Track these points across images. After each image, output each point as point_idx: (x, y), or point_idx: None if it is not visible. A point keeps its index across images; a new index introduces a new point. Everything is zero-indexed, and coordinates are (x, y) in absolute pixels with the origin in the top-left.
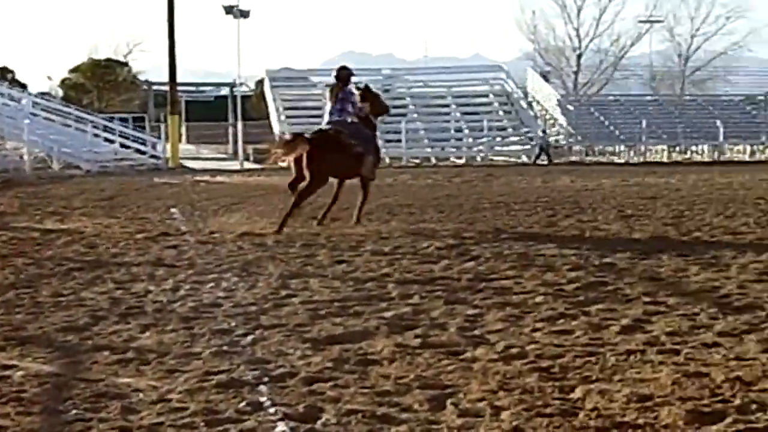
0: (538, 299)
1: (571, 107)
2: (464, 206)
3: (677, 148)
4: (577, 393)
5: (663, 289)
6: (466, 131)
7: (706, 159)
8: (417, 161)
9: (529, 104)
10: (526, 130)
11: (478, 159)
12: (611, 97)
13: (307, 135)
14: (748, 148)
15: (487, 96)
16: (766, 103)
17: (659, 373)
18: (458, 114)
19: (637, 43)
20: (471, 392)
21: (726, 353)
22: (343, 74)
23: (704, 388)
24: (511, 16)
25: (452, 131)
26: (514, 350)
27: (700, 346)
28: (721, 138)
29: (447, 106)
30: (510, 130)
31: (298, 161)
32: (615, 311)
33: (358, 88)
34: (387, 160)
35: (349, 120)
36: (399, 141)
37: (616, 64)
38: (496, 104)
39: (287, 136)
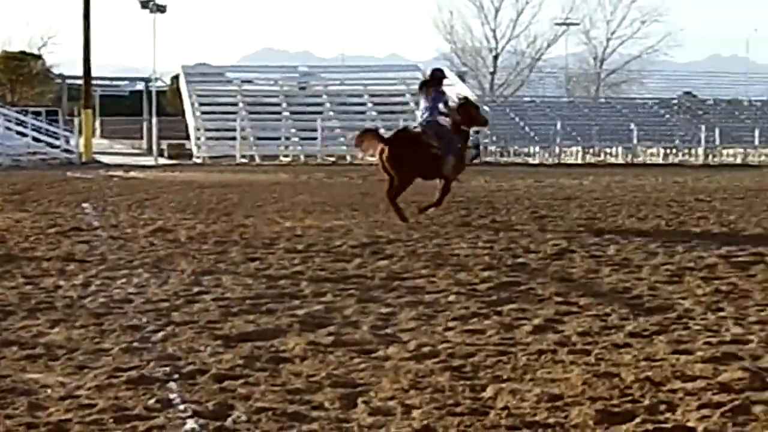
0: (451, 298)
1: (487, 108)
2: (379, 205)
3: (591, 150)
4: (489, 392)
5: (575, 290)
6: (383, 130)
7: (620, 161)
8: (332, 159)
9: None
10: None
11: None
12: (527, 99)
13: (383, 133)
14: (662, 150)
15: (403, 95)
16: (679, 107)
17: (570, 373)
18: (374, 113)
19: (554, 45)
20: (382, 391)
21: (636, 354)
22: (437, 75)
23: (614, 389)
24: (428, 15)
25: None
26: (426, 349)
27: (611, 347)
28: (634, 140)
29: (363, 104)
30: None
31: (381, 162)
32: (527, 311)
33: (458, 99)
34: (302, 158)
35: (440, 121)
36: (315, 139)
37: (532, 66)
38: (412, 104)
39: (359, 132)
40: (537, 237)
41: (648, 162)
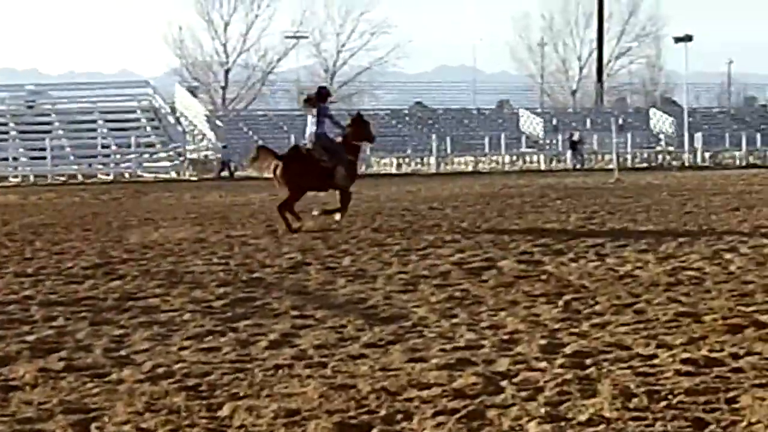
0: (186, 317)
1: (219, 122)
2: (112, 224)
3: None
4: (225, 411)
5: (311, 303)
6: (114, 148)
7: None
8: (63, 179)
9: (177, 120)
10: (174, 145)
11: (127, 176)
12: (260, 112)
13: (277, 151)
14: (395, 160)
15: (134, 112)
16: (410, 117)
17: (307, 387)
18: (105, 130)
19: (284, 58)
20: (116, 415)
21: (372, 364)
22: (322, 92)
23: (351, 400)
24: (158, 31)
25: (99, 148)
26: (161, 370)
27: (347, 358)
28: (368, 151)
29: (94, 122)
30: (158, 146)
31: (275, 177)
32: (263, 326)
33: (350, 115)
34: (32, 179)
35: (327, 133)
36: (44, 158)
37: (263, 80)
38: (143, 120)
39: (253, 153)
40: (272, 251)
41: (382, 172)
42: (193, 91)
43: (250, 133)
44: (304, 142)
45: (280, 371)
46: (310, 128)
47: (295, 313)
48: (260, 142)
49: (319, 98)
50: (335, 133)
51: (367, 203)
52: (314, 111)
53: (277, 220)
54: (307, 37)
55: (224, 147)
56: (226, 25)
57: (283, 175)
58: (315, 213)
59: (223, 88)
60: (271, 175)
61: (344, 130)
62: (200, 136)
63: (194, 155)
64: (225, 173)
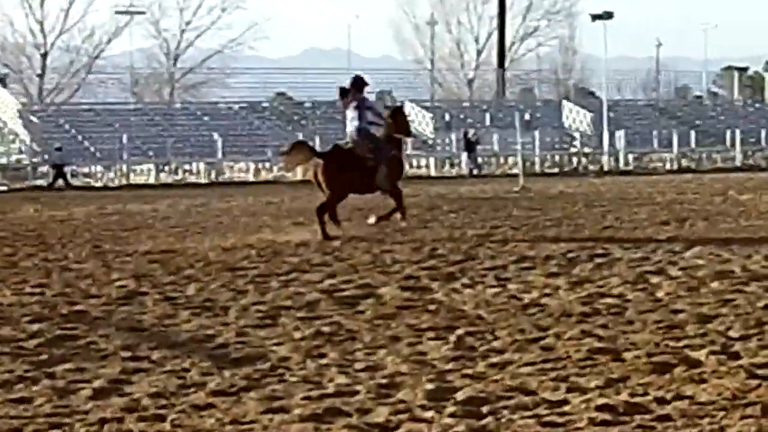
0: None
1: (34, 119)
2: None
3: (167, 167)
4: None
5: (146, 341)
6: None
7: (202, 179)
8: None
9: None
10: None
11: None
12: (85, 106)
13: (319, 149)
14: (252, 165)
15: None
16: (272, 112)
17: None
18: None
19: (116, 39)
20: None
21: (221, 416)
22: (359, 83)
23: None
24: None
25: None
26: None
27: (191, 409)
28: (219, 154)
29: None
30: None
31: (315, 177)
32: (87, 371)
33: (387, 107)
34: None
35: (371, 129)
36: None
37: (90, 66)
38: None
39: (287, 147)
40: (100, 278)
41: (236, 179)
42: (2, 80)
43: (73, 131)
44: (346, 140)
45: (107, 426)
46: (351, 123)
47: (126, 354)
48: (85, 144)
49: (355, 88)
50: (377, 126)
51: (216, 218)
52: (353, 104)
53: (316, 224)
54: (143, 13)
55: (58, 149)
56: None
57: (324, 174)
58: (371, 221)
59: (40, 77)
60: (310, 177)
61: (387, 123)
62: (11, 136)
63: (3, 159)
64: (60, 182)
